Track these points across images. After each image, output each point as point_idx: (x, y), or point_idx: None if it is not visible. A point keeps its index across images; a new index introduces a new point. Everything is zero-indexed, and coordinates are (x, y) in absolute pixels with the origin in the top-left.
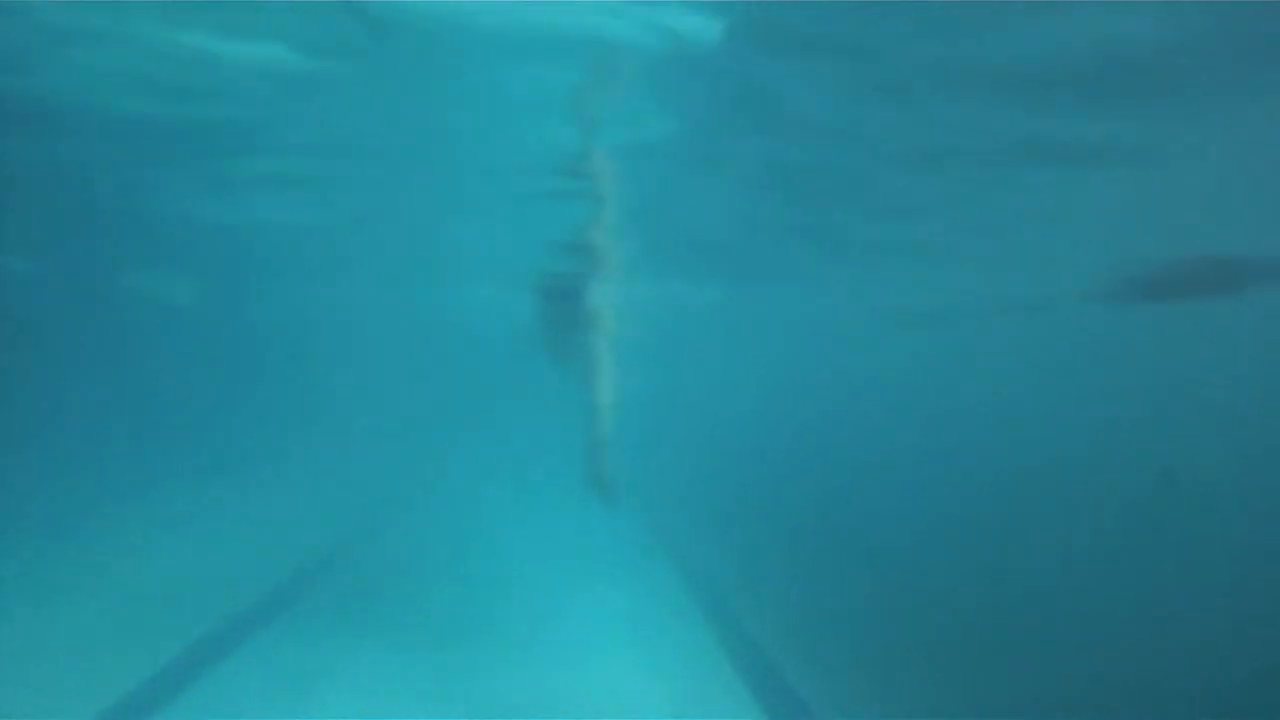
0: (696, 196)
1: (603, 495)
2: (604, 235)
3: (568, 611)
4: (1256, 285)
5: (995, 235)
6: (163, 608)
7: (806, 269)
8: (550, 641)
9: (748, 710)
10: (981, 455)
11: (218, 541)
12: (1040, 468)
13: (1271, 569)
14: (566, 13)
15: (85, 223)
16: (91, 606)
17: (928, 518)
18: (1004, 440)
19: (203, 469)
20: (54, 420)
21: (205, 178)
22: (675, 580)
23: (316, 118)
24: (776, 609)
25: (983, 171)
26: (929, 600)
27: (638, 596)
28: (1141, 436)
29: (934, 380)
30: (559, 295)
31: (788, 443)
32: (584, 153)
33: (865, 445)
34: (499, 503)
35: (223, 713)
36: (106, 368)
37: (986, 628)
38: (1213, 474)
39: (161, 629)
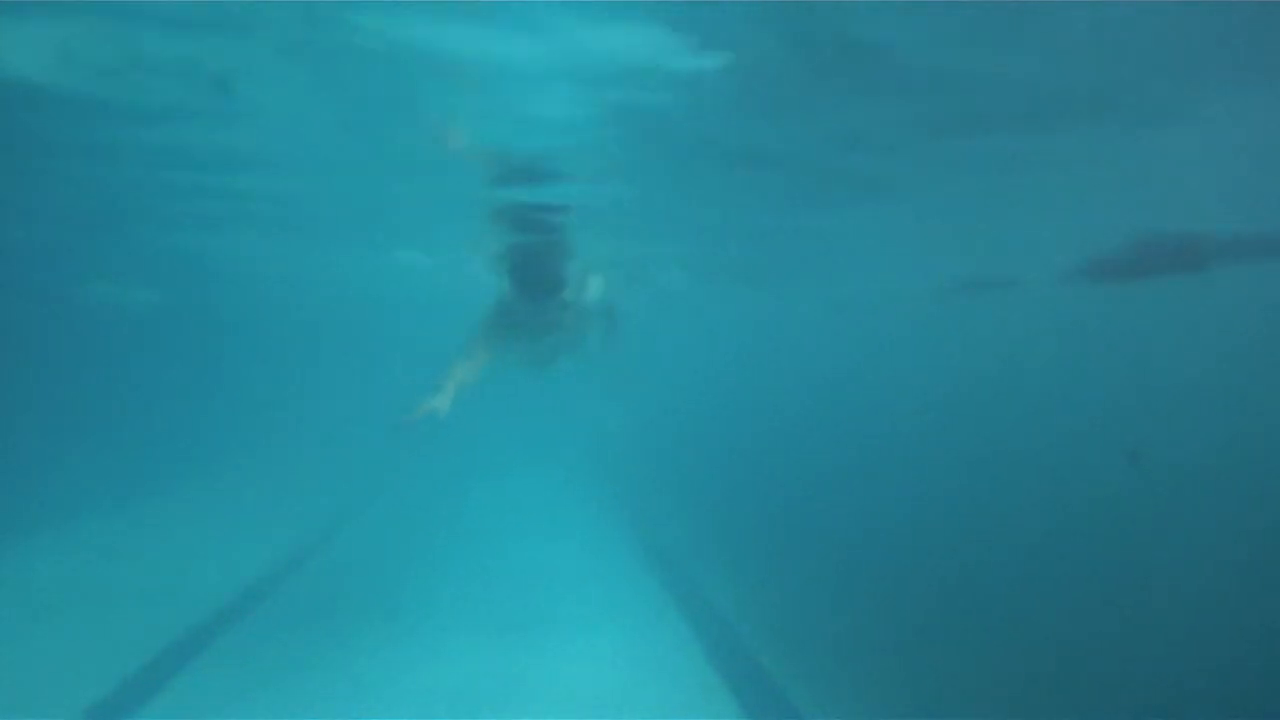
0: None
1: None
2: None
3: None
4: (1219, 262)
5: (959, 218)
6: (142, 608)
7: (775, 265)
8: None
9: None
10: (952, 440)
11: (200, 540)
12: (1013, 452)
13: (1247, 552)
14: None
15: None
16: (74, 608)
17: (902, 506)
18: (974, 425)
19: (177, 470)
20: (21, 426)
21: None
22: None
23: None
24: (755, 603)
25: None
26: (905, 590)
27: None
28: (1111, 418)
29: (904, 366)
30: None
31: (761, 434)
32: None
33: (838, 435)
34: (486, 499)
35: (206, 710)
36: (72, 373)
37: (963, 617)
38: (1182, 456)
39: (140, 629)
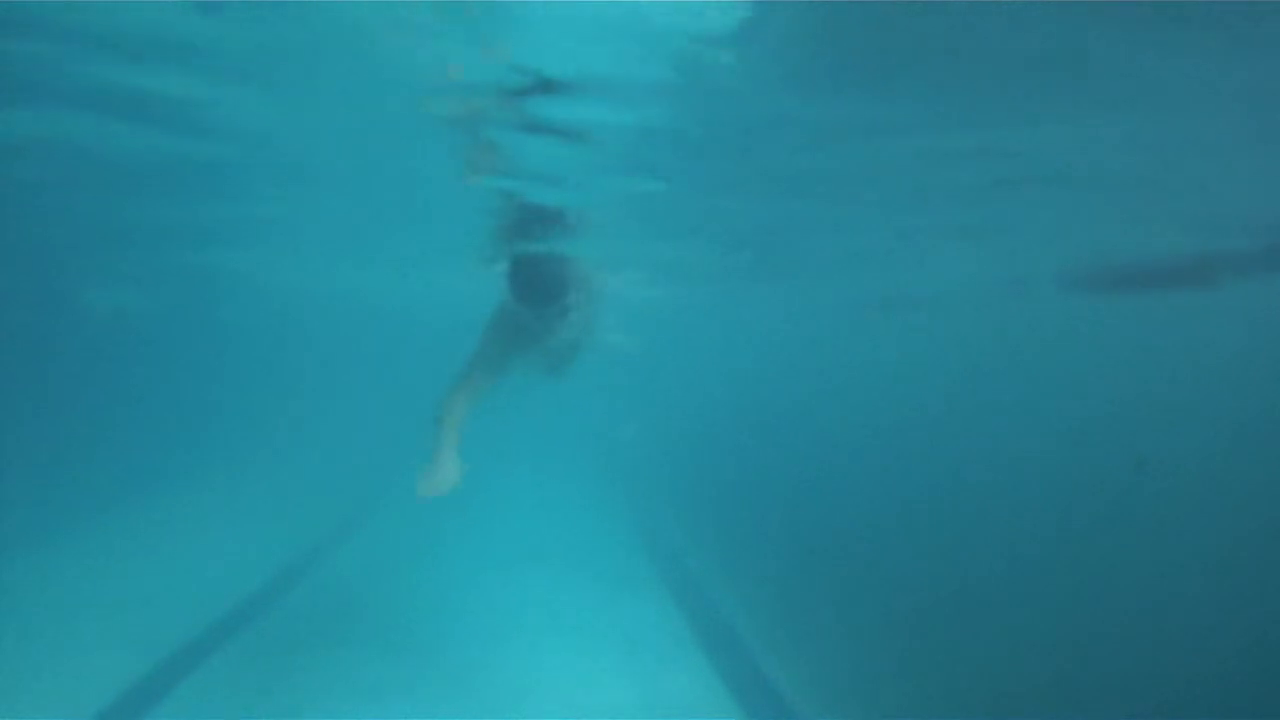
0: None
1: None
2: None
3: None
4: (1233, 278)
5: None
6: (138, 616)
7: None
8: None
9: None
10: (957, 445)
11: (194, 549)
12: (1017, 458)
13: (1245, 562)
14: None
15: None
16: (73, 615)
17: (903, 508)
18: (979, 431)
19: (172, 477)
20: (17, 431)
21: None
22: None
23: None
24: (756, 601)
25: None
26: (905, 592)
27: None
28: (1117, 428)
29: (907, 370)
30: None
31: (764, 434)
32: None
33: (839, 437)
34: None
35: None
36: (66, 379)
37: (962, 619)
38: (1188, 466)
39: (137, 637)
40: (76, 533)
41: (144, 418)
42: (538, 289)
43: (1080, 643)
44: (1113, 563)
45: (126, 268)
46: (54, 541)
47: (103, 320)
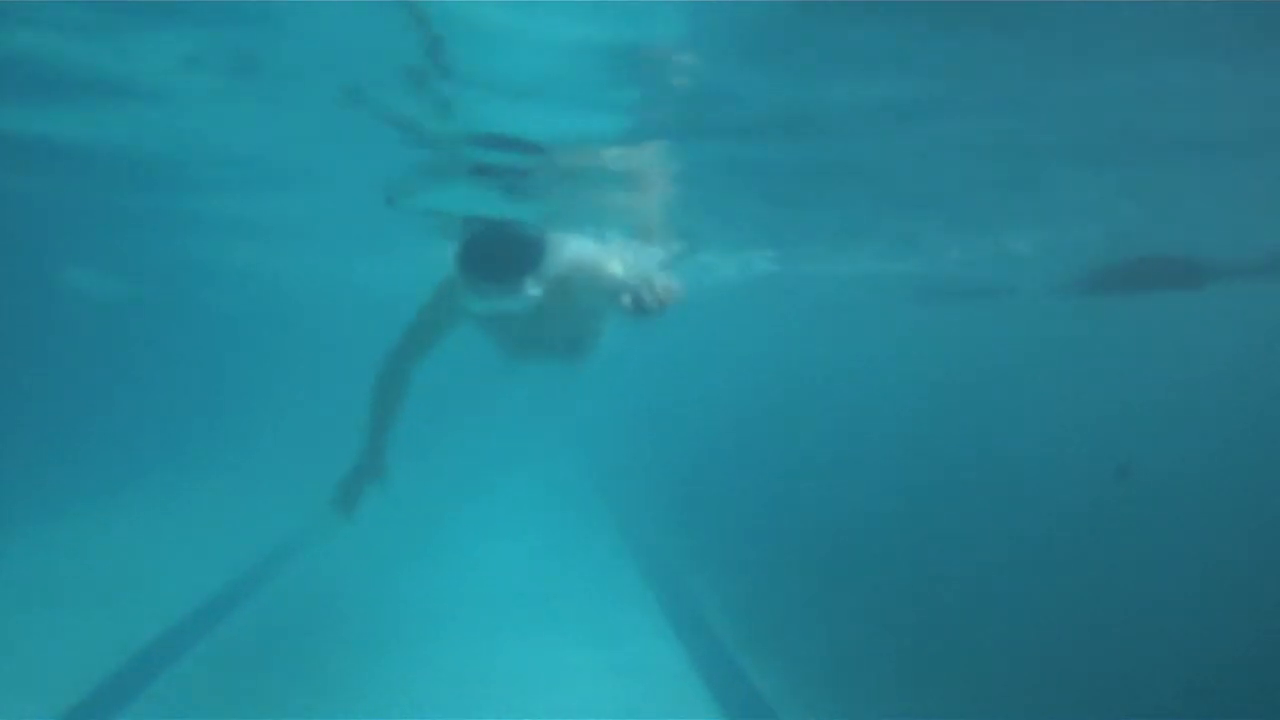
0: None
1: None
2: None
3: None
4: (1217, 281)
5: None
6: (113, 611)
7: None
8: None
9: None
10: (941, 447)
11: (175, 541)
12: (1001, 460)
13: (1231, 566)
14: None
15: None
16: (46, 607)
17: (891, 508)
18: (964, 432)
19: (154, 468)
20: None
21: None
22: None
23: None
24: (739, 601)
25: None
26: (893, 594)
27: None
28: (1101, 430)
29: (892, 369)
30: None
31: (748, 430)
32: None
33: (824, 435)
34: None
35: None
36: (46, 367)
37: (953, 622)
38: (1172, 470)
39: (112, 632)
40: (48, 526)
41: (122, 408)
42: (485, 259)
43: (1078, 644)
44: (1109, 563)
45: (111, 253)
46: (22, 534)
47: (84, 307)
